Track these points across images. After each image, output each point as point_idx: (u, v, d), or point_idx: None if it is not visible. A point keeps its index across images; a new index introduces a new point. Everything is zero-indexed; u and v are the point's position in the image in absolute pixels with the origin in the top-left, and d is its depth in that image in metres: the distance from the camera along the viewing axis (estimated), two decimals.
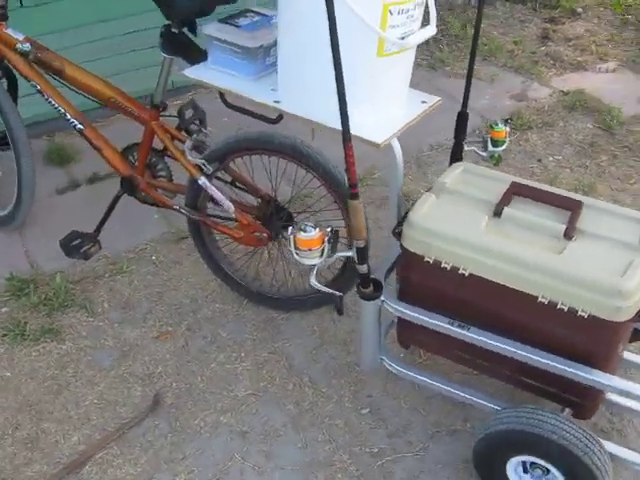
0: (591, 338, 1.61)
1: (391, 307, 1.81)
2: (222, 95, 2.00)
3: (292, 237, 1.72)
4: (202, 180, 2.17)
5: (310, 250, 1.71)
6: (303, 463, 1.93)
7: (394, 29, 1.61)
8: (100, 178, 2.94)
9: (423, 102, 1.87)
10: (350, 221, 1.68)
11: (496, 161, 2.08)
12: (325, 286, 1.85)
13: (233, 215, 2.20)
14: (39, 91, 2.35)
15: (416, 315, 1.79)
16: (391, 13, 1.58)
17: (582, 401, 1.74)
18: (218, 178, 2.28)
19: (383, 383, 2.13)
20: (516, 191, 1.78)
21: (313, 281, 1.76)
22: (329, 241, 1.71)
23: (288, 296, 2.37)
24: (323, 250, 1.71)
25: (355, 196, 1.64)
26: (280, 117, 1.92)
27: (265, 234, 2.21)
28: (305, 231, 1.70)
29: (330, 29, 1.41)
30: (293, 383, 2.15)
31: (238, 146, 2.14)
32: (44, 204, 2.82)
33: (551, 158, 3.07)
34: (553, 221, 1.70)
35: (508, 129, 2.01)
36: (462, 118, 2.00)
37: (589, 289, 1.56)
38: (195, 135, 2.21)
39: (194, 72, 1.97)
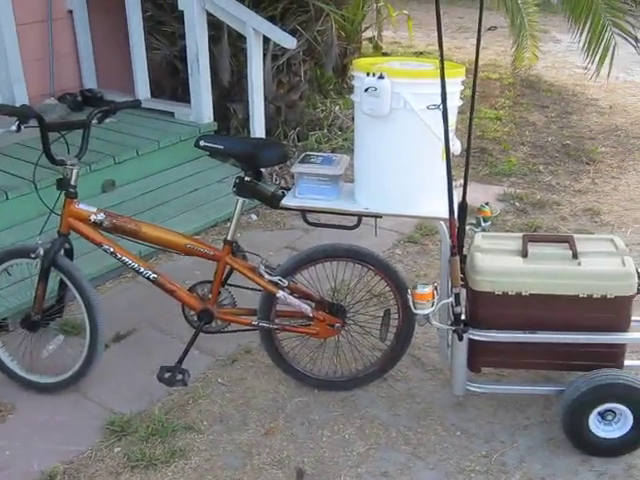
0: (617, 311, 2.46)
1: (480, 335, 2.50)
2: (304, 216, 2.64)
3: (411, 294, 2.38)
4: (281, 293, 2.71)
5: (426, 302, 2.38)
6: (440, 478, 2.46)
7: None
8: (123, 336, 3.24)
9: None
10: (450, 272, 2.39)
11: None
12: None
13: (310, 315, 2.76)
14: (111, 253, 2.75)
15: (501, 335, 2.50)
16: None
17: (614, 362, 2.54)
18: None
19: (455, 413, 2.75)
20: (529, 239, 2.64)
21: (435, 323, 2.41)
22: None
23: (351, 376, 2.91)
24: (434, 301, 2.40)
25: (454, 254, 2.37)
26: (358, 224, 2.61)
27: (338, 323, 2.78)
28: (420, 288, 2.38)
29: (445, 145, 2.20)
30: (394, 432, 2.67)
31: (307, 259, 2.74)
32: None
33: None
34: (562, 250, 2.57)
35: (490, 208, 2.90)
36: (463, 208, 2.82)
37: (610, 279, 2.43)
38: (262, 260, 2.78)
39: (287, 202, 2.59)
